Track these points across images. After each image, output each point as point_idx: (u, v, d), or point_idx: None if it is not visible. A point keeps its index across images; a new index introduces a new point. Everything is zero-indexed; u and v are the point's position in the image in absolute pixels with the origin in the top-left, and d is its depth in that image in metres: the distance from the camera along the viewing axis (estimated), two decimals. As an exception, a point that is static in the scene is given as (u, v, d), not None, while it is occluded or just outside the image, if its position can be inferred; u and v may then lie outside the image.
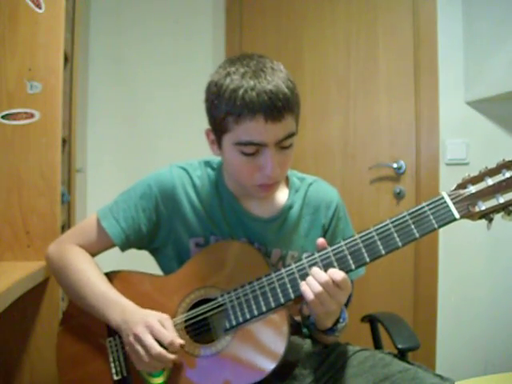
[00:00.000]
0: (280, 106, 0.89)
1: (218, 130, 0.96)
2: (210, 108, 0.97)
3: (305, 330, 1.10)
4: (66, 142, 1.61)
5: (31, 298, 1.24)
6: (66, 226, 1.59)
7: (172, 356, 0.90)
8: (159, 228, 1.07)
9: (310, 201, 1.11)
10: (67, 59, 1.57)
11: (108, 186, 2.10)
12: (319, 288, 0.87)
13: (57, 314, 1.29)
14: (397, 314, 1.32)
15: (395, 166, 2.14)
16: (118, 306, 0.96)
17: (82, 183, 2.08)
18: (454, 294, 2.13)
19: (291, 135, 0.94)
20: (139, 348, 0.90)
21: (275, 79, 0.90)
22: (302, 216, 1.10)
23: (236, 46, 2.29)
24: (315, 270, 0.89)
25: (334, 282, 0.87)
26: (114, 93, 2.25)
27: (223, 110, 0.91)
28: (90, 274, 1.02)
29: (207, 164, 1.11)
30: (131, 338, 0.91)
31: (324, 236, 1.10)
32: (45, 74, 1.29)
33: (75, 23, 1.68)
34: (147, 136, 2.28)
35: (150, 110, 2.28)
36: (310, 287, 0.88)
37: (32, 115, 1.28)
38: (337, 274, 0.88)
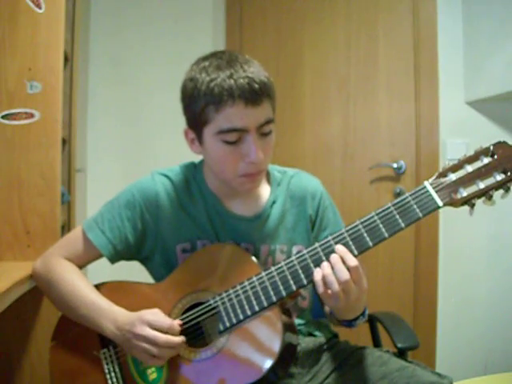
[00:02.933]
0: (258, 90, 0.90)
1: (197, 124, 0.96)
2: (187, 104, 0.97)
3: (301, 328, 1.10)
4: (66, 142, 1.61)
5: (31, 298, 1.24)
6: (66, 226, 1.59)
7: (178, 339, 0.90)
8: (146, 236, 1.06)
9: (294, 193, 1.11)
10: (67, 59, 1.57)
11: (108, 186, 2.09)
12: (346, 276, 0.85)
13: (57, 314, 1.28)
14: (396, 314, 1.32)
15: (395, 166, 2.14)
16: (110, 314, 0.96)
17: (81, 183, 2.08)
18: (454, 294, 2.13)
19: (270, 121, 0.95)
20: (144, 344, 0.90)
21: (250, 68, 0.92)
22: (287, 209, 1.09)
23: (236, 46, 2.28)
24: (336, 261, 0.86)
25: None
26: (114, 93, 2.25)
27: (202, 101, 0.92)
28: (79, 284, 1.02)
29: (188, 168, 1.10)
30: (133, 340, 0.91)
31: (313, 226, 1.10)
32: (45, 74, 1.29)
33: (75, 23, 1.68)
34: (147, 136, 2.28)
35: (150, 110, 2.28)
36: (336, 274, 0.85)
37: (32, 115, 1.28)
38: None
